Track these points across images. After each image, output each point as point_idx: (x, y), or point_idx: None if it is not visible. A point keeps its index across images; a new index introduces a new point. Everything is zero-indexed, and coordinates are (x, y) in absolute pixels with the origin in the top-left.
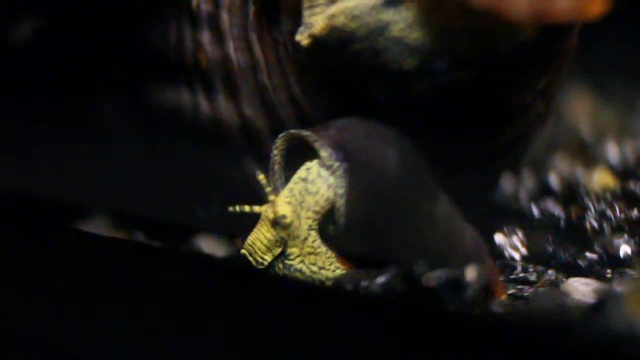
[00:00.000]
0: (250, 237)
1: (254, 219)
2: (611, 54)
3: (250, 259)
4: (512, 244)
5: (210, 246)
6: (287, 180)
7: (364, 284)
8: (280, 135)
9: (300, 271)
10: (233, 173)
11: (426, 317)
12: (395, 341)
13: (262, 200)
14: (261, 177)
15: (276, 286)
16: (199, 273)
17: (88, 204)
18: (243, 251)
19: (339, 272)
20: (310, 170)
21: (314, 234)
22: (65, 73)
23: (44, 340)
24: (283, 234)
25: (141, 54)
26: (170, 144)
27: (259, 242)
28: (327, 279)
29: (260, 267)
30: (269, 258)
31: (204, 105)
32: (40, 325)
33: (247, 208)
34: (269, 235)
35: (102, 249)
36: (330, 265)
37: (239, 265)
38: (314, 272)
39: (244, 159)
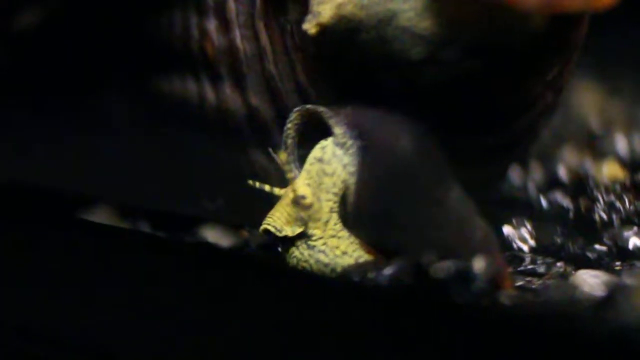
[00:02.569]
0: (269, 213)
1: (263, 209)
2: (619, 46)
3: (270, 227)
4: (520, 236)
5: (215, 236)
6: (300, 156)
7: (371, 275)
8: (295, 109)
9: (324, 252)
10: (239, 162)
11: (434, 308)
12: (403, 332)
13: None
14: (282, 156)
15: (282, 276)
16: (202, 263)
17: (93, 194)
18: (262, 228)
19: (362, 260)
20: (325, 149)
21: (335, 216)
22: (69, 62)
23: (46, 329)
24: (303, 214)
25: (146, 43)
26: (175, 133)
27: (279, 213)
28: (349, 265)
29: (279, 234)
30: (288, 230)
31: (210, 94)
32: (43, 314)
33: (267, 187)
34: (289, 210)
35: (106, 239)
36: (354, 251)
37: (243, 256)
38: (337, 256)
39: (250, 147)
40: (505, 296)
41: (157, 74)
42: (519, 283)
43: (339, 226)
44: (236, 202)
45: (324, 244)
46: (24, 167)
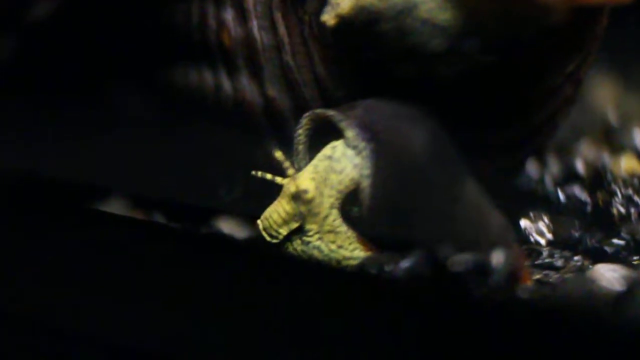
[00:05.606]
0: (267, 210)
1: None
2: (637, 40)
3: (264, 233)
4: (537, 229)
5: (231, 228)
6: (311, 160)
7: (388, 268)
8: (305, 115)
9: (318, 248)
10: (255, 153)
11: (451, 301)
12: (420, 326)
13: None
14: (278, 154)
15: (297, 269)
16: (218, 254)
17: (109, 185)
18: (258, 222)
19: (356, 253)
20: (336, 148)
21: (335, 212)
22: (85, 53)
23: (58, 322)
24: (302, 209)
25: (163, 33)
26: (192, 124)
27: (276, 214)
28: (344, 258)
29: (274, 240)
30: (283, 231)
31: (227, 84)
32: (57, 306)
33: (268, 176)
34: (287, 208)
35: (120, 230)
36: (350, 244)
37: (259, 247)
38: (332, 251)
39: (267, 139)
40: (523, 290)
41: (174, 65)
42: (537, 277)
43: (338, 222)
44: (252, 194)
45: (320, 239)
46: (37, 159)
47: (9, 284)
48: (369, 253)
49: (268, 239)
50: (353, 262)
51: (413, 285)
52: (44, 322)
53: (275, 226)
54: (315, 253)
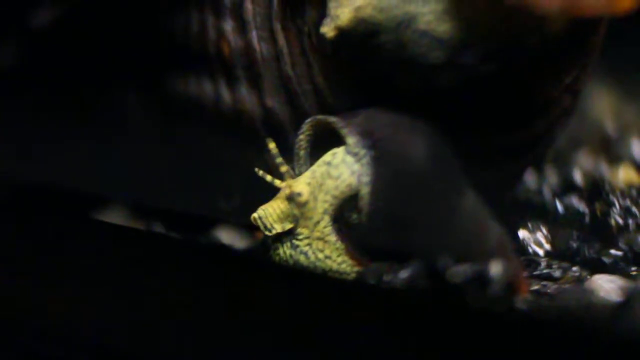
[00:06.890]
0: (263, 205)
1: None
2: (635, 50)
3: (259, 222)
4: (535, 240)
5: (230, 237)
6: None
7: (387, 278)
8: (307, 121)
9: (305, 254)
10: (254, 164)
11: (449, 312)
12: (418, 336)
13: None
14: (272, 146)
15: (296, 278)
16: (217, 264)
17: (107, 195)
18: (254, 215)
19: (344, 267)
20: (336, 155)
21: (327, 218)
22: (85, 62)
23: (61, 330)
24: (296, 211)
25: (162, 43)
26: (191, 134)
27: (272, 209)
28: (330, 270)
29: (267, 232)
30: (278, 227)
31: (226, 95)
32: (57, 315)
33: (268, 178)
34: (282, 207)
35: (119, 239)
36: (338, 256)
37: (258, 257)
38: (318, 259)
39: (266, 149)
40: (521, 300)
41: (173, 74)
42: (535, 287)
43: (329, 229)
44: (251, 203)
45: (308, 244)
46: (37, 167)
47: (8, 290)
48: (357, 268)
49: (262, 228)
50: (339, 276)
51: (411, 296)
52: (44, 330)
53: (270, 219)
54: (302, 259)
